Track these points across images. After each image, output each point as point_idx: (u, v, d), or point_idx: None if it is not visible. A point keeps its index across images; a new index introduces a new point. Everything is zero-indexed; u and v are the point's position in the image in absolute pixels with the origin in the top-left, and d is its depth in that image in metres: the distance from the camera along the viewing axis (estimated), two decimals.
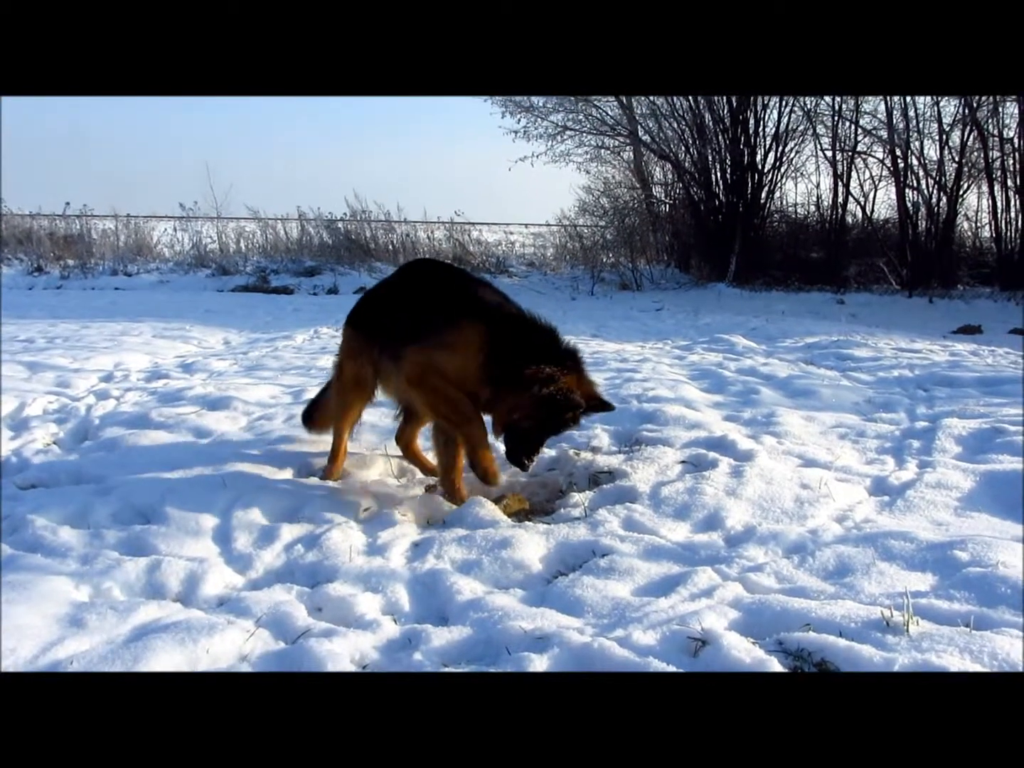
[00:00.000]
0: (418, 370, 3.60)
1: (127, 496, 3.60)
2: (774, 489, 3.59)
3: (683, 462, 4.02)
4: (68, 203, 19.93)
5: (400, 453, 4.30)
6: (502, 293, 3.88)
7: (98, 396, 5.91)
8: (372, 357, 3.87)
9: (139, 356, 7.80)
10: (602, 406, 3.67)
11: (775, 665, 2.15)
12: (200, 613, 2.63)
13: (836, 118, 16.97)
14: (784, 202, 18.81)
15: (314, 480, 3.97)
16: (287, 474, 4.01)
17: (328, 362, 7.55)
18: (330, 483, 3.92)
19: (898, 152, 16.20)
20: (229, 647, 2.40)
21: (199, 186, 25.53)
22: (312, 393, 5.89)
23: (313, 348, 8.63)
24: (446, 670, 2.22)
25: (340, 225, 19.84)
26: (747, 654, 2.21)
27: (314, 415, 4.39)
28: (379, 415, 5.17)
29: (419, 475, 4.13)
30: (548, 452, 4.03)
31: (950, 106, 16.09)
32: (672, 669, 2.15)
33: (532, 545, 3.12)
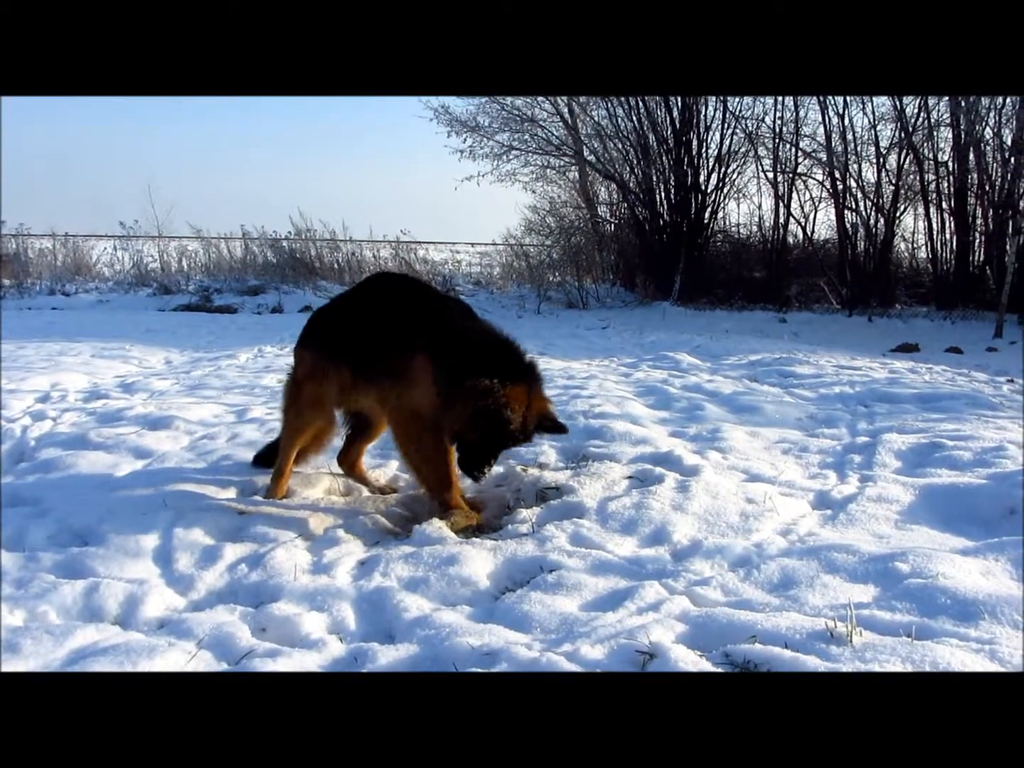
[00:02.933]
0: (400, 417, 3.65)
1: (64, 518, 3.52)
2: (719, 503, 3.62)
3: (630, 477, 4.04)
4: (3, 221, 19.51)
5: (343, 471, 4.27)
6: (459, 306, 3.88)
7: (34, 417, 5.77)
8: (340, 379, 3.83)
9: (77, 376, 7.64)
10: (554, 427, 3.67)
11: None
12: (140, 636, 2.58)
13: (777, 140, 17.33)
14: (727, 222, 19.14)
15: (258, 499, 3.91)
16: (230, 493, 3.96)
17: (272, 380, 7.50)
18: (274, 502, 3.87)
19: (837, 174, 16.57)
20: (170, 669, 2.34)
21: (140, 204, 25.18)
22: (258, 412, 5.83)
23: (257, 367, 8.54)
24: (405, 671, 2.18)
25: (285, 244, 19.71)
26: (694, 666, 2.22)
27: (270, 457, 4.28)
28: None
29: (365, 492, 4.09)
30: (496, 468, 4.02)
31: (887, 130, 16.56)
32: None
33: (480, 561, 3.11)
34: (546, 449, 4.57)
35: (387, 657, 2.41)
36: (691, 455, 4.41)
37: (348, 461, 4.27)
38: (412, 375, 3.57)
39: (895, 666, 2.19)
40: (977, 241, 15.86)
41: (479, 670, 2.23)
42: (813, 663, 2.21)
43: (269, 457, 4.25)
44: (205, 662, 2.41)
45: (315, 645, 2.53)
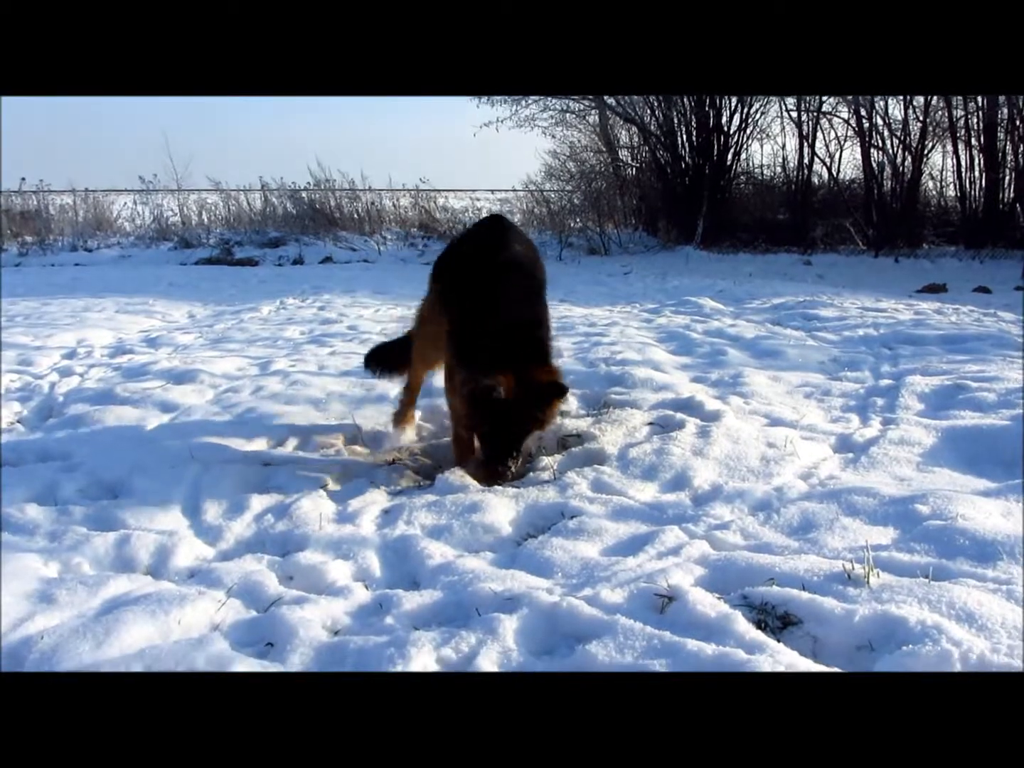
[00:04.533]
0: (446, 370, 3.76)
1: (94, 472, 3.60)
2: (740, 448, 3.64)
3: (651, 424, 4.06)
4: (24, 178, 19.55)
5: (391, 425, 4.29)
6: (511, 280, 3.67)
7: (61, 373, 5.86)
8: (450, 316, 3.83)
9: (102, 332, 7.72)
10: (554, 390, 3.52)
11: (739, 619, 2.20)
12: (171, 585, 2.65)
13: None
14: (750, 164, 18.88)
15: (283, 450, 3.97)
16: (256, 445, 4.02)
17: (295, 332, 7.55)
18: (300, 454, 3.93)
19: (863, 112, 16.26)
20: (200, 617, 2.41)
21: (158, 158, 25.10)
22: (281, 364, 5.89)
23: (279, 319, 8.59)
24: (422, 670, 2.20)
25: (304, 195, 19.62)
26: (712, 609, 2.26)
27: (384, 359, 4.40)
28: (347, 384, 5.19)
29: (385, 445, 4.14)
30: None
31: None
32: (639, 625, 2.19)
33: (502, 508, 3.15)
34: (567, 397, 4.59)
35: (412, 603, 2.46)
36: (712, 400, 4.42)
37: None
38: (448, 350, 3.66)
39: (911, 607, 2.21)
40: (1007, 178, 15.57)
41: (491, 670, 2.26)
42: (830, 604, 2.24)
43: (382, 358, 4.40)
44: (235, 610, 2.47)
45: (341, 592, 2.59)
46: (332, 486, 3.53)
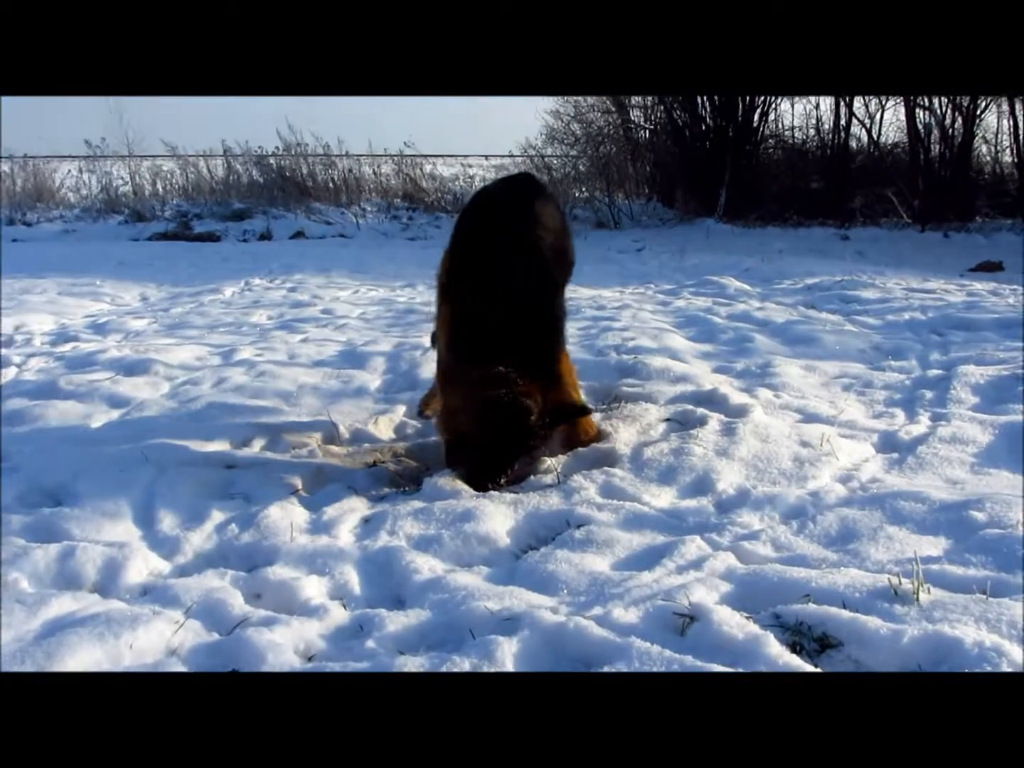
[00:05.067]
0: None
1: (34, 476, 3.58)
2: (770, 448, 3.64)
3: (668, 420, 4.06)
4: None
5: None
6: (529, 248, 3.64)
7: None
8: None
9: (43, 317, 7.70)
10: (574, 411, 3.67)
11: (771, 641, 2.19)
12: (121, 604, 2.63)
13: None
14: (780, 126, 18.82)
15: (249, 451, 3.96)
16: (217, 445, 4.00)
17: (262, 317, 7.54)
18: (268, 455, 3.92)
19: None
20: (155, 640, 2.40)
21: (107, 120, 24.97)
22: (246, 353, 5.88)
23: (244, 302, 8.58)
24: (408, 669, 2.23)
25: (272, 161, 19.58)
26: (740, 630, 2.25)
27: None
28: (322, 375, 5.19)
29: (365, 444, 4.12)
30: None
31: None
32: (656, 648, 2.18)
33: (499, 517, 3.14)
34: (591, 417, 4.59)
35: (396, 624, 2.45)
36: (738, 393, 4.42)
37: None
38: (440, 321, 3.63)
39: (967, 626, 2.21)
40: None
41: (492, 670, 2.26)
42: (874, 624, 2.23)
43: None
44: (194, 632, 2.46)
45: (316, 612, 2.58)
46: (305, 492, 3.51)
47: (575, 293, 8.39)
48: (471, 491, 3.43)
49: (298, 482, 3.57)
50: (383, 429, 4.30)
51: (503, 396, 3.37)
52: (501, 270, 3.54)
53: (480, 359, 3.40)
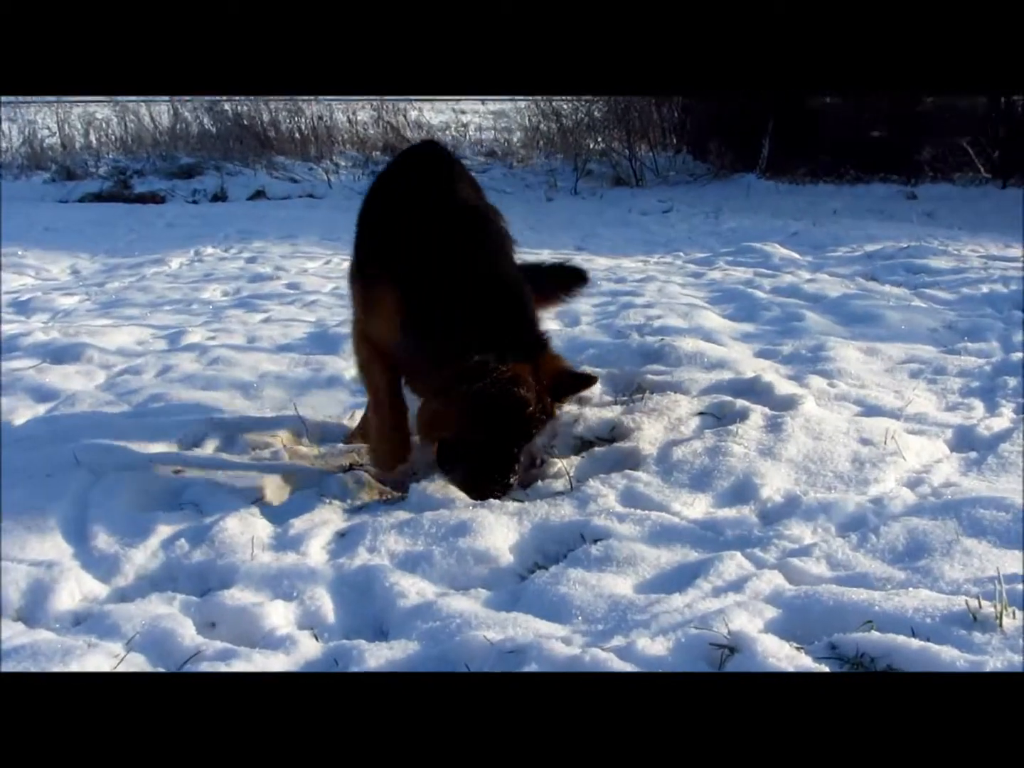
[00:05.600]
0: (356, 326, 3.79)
1: None
2: (824, 446, 3.63)
3: (702, 414, 4.06)
4: None
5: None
6: (477, 218, 3.70)
7: None
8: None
9: None
10: (579, 383, 3.67)
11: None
12: (50, 634, 2.63)
13: None
14: None
15: (200, 452, 3.96)
16: (163, 446, 4.00)
17: (215, 293, 7.53)
18: (223, 457, 3.92)
19: None
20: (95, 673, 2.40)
21: None
22: (196, 336, 5.88)
23: (194, 275, 8.57)
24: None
25: (227, 107, 19.55)
26: (789, 662, 2.25)
27: None
28: (288, 362, 5.19)
29: (341, 444, 4.12)
30: None
31: None
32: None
33: (500, 530, 3.14)
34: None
35: (377, 658, 2.45)
36: (785, 382, 4.42)
37: None
38: (372, 299, 3.63)
39: None
40: None
41: (498, 671, 2.26)
42: (949, 655, 2.22)
43: None
44: (137, 667, 2.46)
45: (281, 644, 2.57)
46: (268, 500, 3.52)
47: (589, 263, 8.38)
48: (467, 499, 3.43)
49: (260, 489, 3.56)
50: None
51: (491, 391, 3.34)
52: (459, 240, 3.57)
53: (450, 349, 3.39)
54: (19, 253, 9.88)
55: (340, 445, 4.11)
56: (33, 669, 2.36)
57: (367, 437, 3.93)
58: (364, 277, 3.69)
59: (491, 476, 3.50)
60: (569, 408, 4.24)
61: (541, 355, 3.53)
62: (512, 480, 3.53)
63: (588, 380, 3.69)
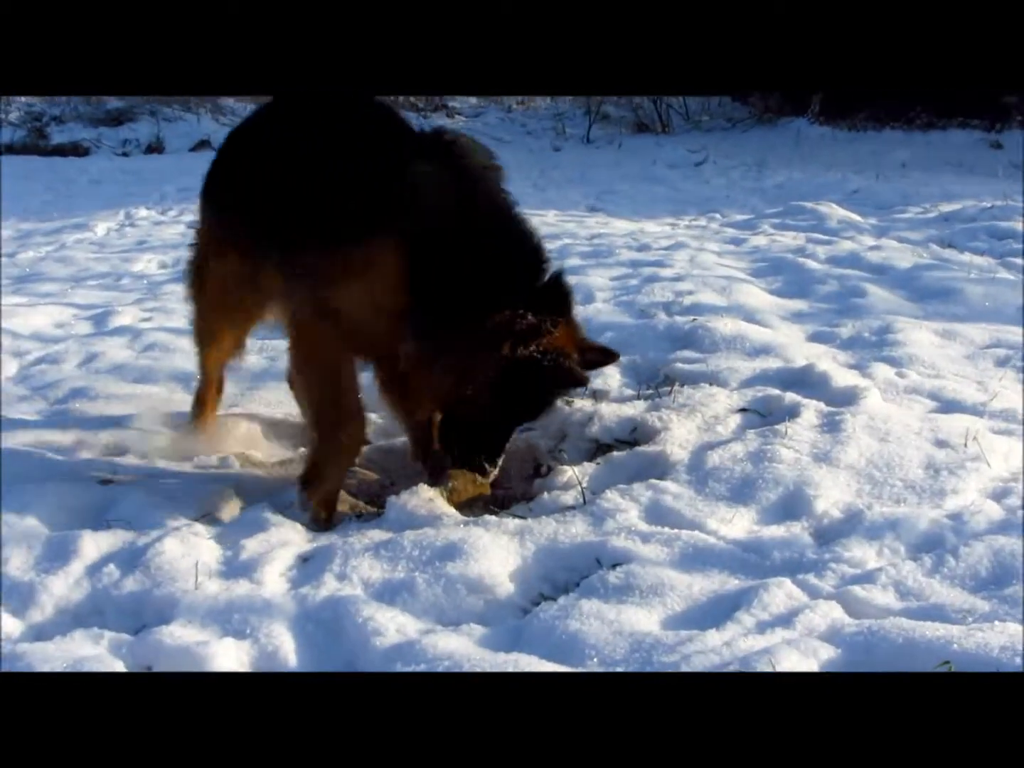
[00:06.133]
0: (301, 319, 3.69)
1: None
2: (892, 450, 3.63)
3: (743, 411, 4.06)
4: None
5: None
6: (454, 151, 3.68)
7: None
8: (254, 261, 3.84)
9: None
10: (603, 358, 3.74)
11: None
12: None
13: None
14: None
15: (133, 460, 3.95)
16: (88, 451, 4.01)
17: (151, 265, 7.52)
18: (160, 464, 3.91)
19: None
20: None
21: None
22: (127, 317, 5.87)
23: (124, 243, 8.56)
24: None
25: None
26: None
27: None
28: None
29: (304, 448, 4.12)
30: None
31: None
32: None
33: (497, 552, 3.13)
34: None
35: None
36: (844, 371, 4.42)
37: None
38: (351, 263, 3.58)
39: None
40: None
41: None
42: None
43: None
44: None
45: None
46: (216, 516, 3.52)
47: (605, 227, 8.38)
48: (456, 516, 3.42)
49: (206, 503, 3.56)
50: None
51: (546, 360, 3.37)
52: (466, 181, 3.60)
53: (478, 305, 3.39)
54: None
55: (303, 449, 4.10)
56: None
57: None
58: (342, 240, 3.67)
59: (488, 450, 3.54)
60: (582, 403, 4.24)
61: (569, 314, 3.57)
62: (499, 460, 3.58)
63: (611, 355, 3.74)
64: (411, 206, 3.49)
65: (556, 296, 3.53)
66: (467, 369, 3.44)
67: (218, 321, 4.11)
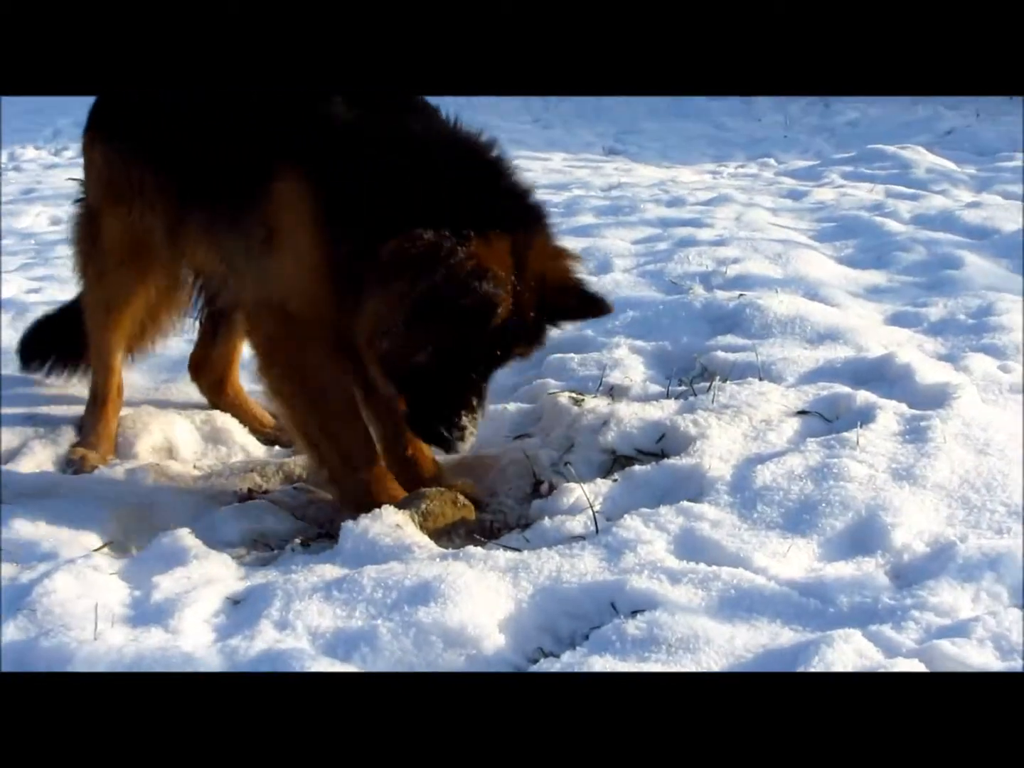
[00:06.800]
0: (261, 315, 3.75)
1: None
2: (993, 465, 3.62)
3: (802, 413, 4.05)
4: None
5: (204, 396, 4.33)
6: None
7: None
8: (164, 203, 3.85)
9: None
10: (584, 304, 3.68)
11: None
12: None
13: None
14: None
15: (13, 467, 3.96)
16: None
17: (39, 219, 7.52)
18: (51, 473, 3.92)
19: None
20: None
21: None
22: (11, 287, 5.87)
23: (8, 192, 8.57)
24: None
25: None
26: None
27: (58, 343, 4.49)
28: None
29: (237, 455, 4.12)
30: (516, 404, 4.05)
31: None
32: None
33: (483, 594, 3.11)
34: (623, 355, 4.57)
35: None
36: (934, 364, 4.42)
37: (211, 373, 4.31)
38: (273, 221, 3.58)
39: None
40: None
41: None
42: None
43: (56, 342, 4.51)
44: None
45: None
46: (120, 544, 3.51)
47: (627, 174, 8.38)
48: (432, 546, 3.42)
49: (109, 528, 3.56)
50: (267, 426, 4.30)
51: (438, 287, 3.36)
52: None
53: (387, 226, 3.43)
54: None
55: (236, 458, 4.10)
56: None
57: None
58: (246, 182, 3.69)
59: (442, 416, 3.55)
60: (595, 402, 4.23)
61: (529, 233, 3.55)
62: (469, 421, 3.56)
63: (600, 306, 3.67)
64: (314, 134, 3.61)
65: (514, 209, 3.56)
66: (377, 315, 3.47)
67: (119, 292, 4.10)
